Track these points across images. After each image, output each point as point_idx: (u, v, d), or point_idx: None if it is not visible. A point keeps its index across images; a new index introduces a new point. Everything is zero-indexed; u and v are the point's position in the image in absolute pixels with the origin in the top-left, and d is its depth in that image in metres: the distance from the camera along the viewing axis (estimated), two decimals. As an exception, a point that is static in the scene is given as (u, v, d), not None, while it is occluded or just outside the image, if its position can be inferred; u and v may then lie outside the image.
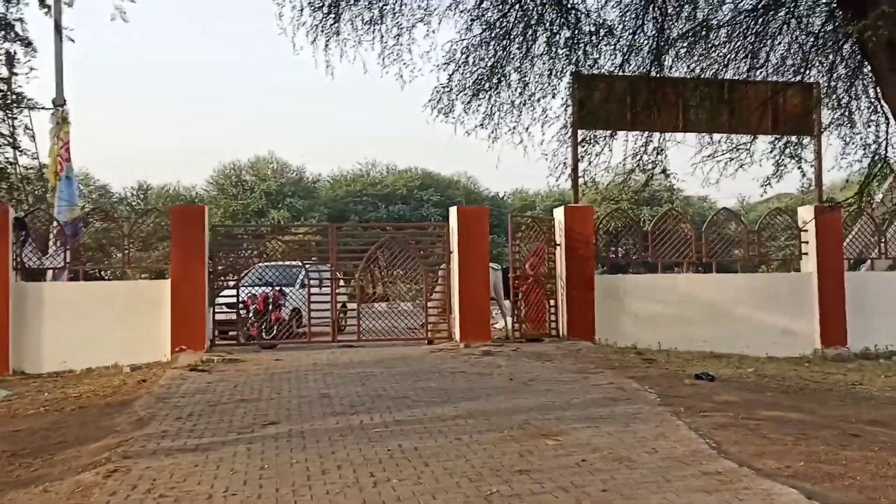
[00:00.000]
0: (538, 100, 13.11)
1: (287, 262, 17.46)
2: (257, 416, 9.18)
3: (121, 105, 70.35)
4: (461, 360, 13.46)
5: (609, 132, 15.15)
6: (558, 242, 16.44)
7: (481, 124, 12.96)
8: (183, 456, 7.48)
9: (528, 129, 13.13)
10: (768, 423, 8.61)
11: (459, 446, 7.59)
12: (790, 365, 14.80)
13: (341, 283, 17.65)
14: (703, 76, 13.69)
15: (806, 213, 17.43)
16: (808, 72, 13.50)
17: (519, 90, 12.91)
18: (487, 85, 12.66)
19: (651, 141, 13.85)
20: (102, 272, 16.73)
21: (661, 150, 13.47)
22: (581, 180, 14.96)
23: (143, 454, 7.58)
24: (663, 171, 13.40)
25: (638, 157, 13.40)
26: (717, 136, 15.31)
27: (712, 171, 13.63)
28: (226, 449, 7.69)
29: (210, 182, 47.56)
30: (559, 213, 16.59)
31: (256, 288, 17.09)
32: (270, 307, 16.46)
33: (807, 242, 17.38)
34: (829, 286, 17.08)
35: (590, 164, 14.01)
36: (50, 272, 16.59)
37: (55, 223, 16.37)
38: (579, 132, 15.52)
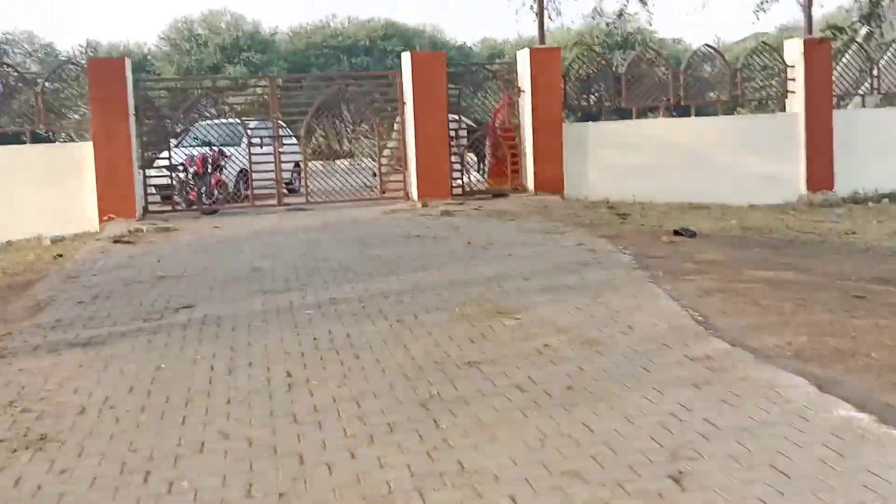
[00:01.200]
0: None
1: (230, 120, 15.85)
2: (173, 297, 7.92)
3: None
4: (416, 221, 12.20)
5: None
6: (522, 89, 14.94)
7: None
8: (69, 353, 6.24)
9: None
10: (760, 286, 7.49)
11: (400, 331, 6.39)
12: (775, 214, 13.69)
13: (291, 141, 16.13)
14: None
15: (794, 48, 15.97)
16: None
17: None
18: None
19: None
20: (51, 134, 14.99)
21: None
22: (546, 16, 13.31)
23: (21, 351, 6.34)
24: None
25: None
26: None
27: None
28: (123, 342, 6.45)
29: (161, 38, 45.10)
30: (523, 57, 15.00)
31: (195, 149, 15.63)
32: (210, 169, 15.02)
33: (793, 80, 15.99)
34: (817, 126, 15.79)
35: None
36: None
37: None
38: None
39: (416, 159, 14.29)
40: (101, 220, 13.15)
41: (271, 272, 8.92)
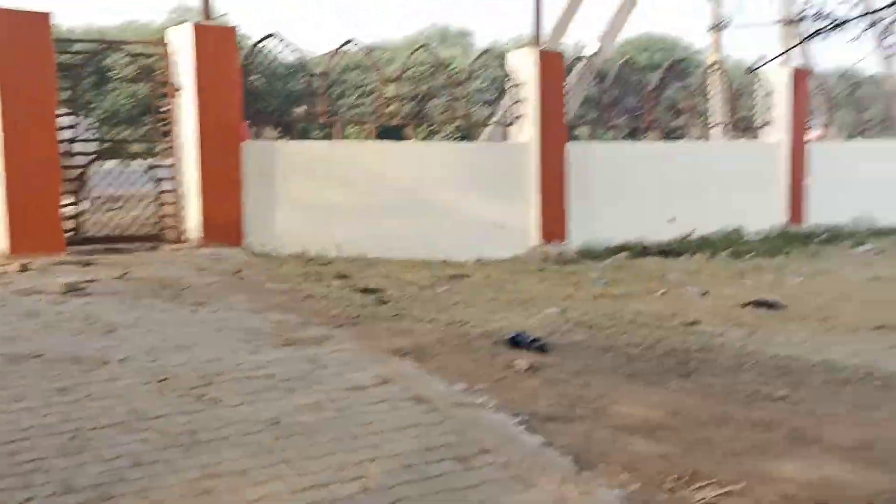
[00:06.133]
0: None
1: None
2: None
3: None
4: (23, 308, 6.64)
5: None
6: (177, 86, 9.81)
7: None
8: None
9: None
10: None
11: None
12: (532, 277, 10.03)
13: None
14: None
15: (524, 61, 12.57)
16: None
17: None
18: None
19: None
20: None
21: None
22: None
23: None
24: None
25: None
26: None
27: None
28: None
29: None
30: (179, 36, 9.86)
31: None
32: None
33: (521, 101, 12.59)
34: (552, 162, 12.55)
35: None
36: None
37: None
38: None
39: (7, 188, 8.58)
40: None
41: None
